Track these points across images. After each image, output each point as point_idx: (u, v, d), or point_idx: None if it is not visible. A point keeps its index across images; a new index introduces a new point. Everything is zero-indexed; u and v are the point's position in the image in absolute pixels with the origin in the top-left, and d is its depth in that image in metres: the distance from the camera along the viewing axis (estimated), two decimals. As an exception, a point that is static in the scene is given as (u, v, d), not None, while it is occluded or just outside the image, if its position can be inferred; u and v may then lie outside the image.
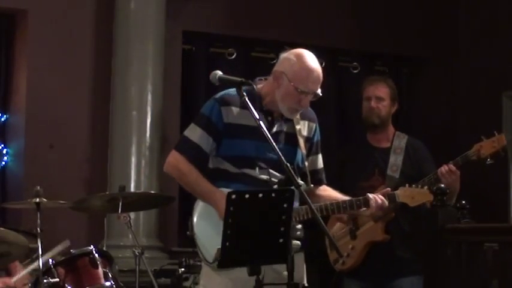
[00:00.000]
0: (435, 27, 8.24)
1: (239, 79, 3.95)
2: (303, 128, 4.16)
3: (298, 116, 4.13)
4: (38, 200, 5.11)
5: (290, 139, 4.09)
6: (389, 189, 4.26)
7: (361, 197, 4.10)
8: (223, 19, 7.43)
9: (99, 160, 6.81)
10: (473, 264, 4.74)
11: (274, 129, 4.04)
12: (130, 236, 5.47)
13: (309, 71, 4.08)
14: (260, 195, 3.47)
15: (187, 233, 3.99)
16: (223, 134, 3.99)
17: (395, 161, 5.17)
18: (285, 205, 3.48)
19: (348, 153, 5.49)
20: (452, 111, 8.26)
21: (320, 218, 3.67)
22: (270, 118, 4.05)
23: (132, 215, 5.64)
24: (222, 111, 3.98)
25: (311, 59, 4.14)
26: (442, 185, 4.74)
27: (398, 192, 4.28)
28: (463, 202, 4.79)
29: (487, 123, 7.63)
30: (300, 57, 4.10)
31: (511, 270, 4.59)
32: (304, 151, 4.12)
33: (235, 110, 4.00)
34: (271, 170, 3.99)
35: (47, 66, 6.81)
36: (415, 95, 8.35)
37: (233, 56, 7.50)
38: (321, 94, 4.10)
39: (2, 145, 6.84)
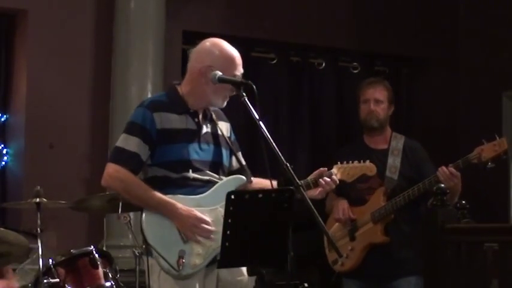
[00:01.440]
0: (435, 28, 8.24)
1: (239, 80, 3.95)
2: (223, 128, 4.13)
3: (214, 118, 4.10)
4: (38, 200, 5.11)
5: (216, 139, 4.08)
6: (325, 169, 4.16)
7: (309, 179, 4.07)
8: (223, 19, 7.43)
9: (99, 160, 6.78)
10: (473, 264, 4.74)
11: (203, 130, 4.03)
12: (130, 236, 5.46)
13: (233, 56, 4.07)
14: (260, 195, 3.48)
15: (143, 246, 3.91)
16: (157, 141, 3.93)
17: (394, 162, 5.17)
18: (285, 205, 3.48)
19: (345, 155, 5.47)
20: (452, 111, 8.25)
21: (319, 218, 3.66)
22: (196, 119, 4.03)
23: (132, 215, 5.63)
24: (154, 117, 3.93)
25: (227, 45, 4.12)
26: (442, 185, 4.74)
27: (333, 170, 4.20)
28: (463, 202, 4.79)
29: (487, 123, 7.64)
30: (220, 47, 4.07)
31: (511, 270, 4.59)
32: (230, 149, 4.10)
33: (165, 115, 3.96)
34: (208, 171, 3.98)
35: (47, 66, 6.81)
36: (415, 96, 8.35)
37: (233, 56, 7.50)
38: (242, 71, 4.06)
39: (2, 145, 6.84)
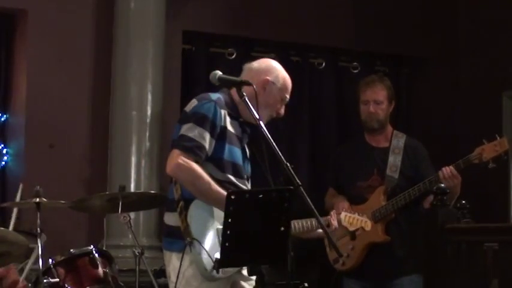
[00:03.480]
0: (435, 27, 8.24)
1: (239, 79, 3.95)
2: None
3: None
4: (37, 199, 5.11)
5: (246, 151, 4.18)
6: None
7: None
8: (223, 19, 7.43)
9: (99, 160, 6.80)
10: (473, 264, 4.74)
11: (245, 140, 4.11)
12: (130, 236, 5.47)
13: (289, 81, 4.23)
14: (260, 195, 3.48)
15: (187, 239, 3.83)
16: (219, 136, 3.97)
17: (394, 161, 5.17)
18: (285, 205, 3.48)
19: (345, 153, 5.47)
20: (452, 111, 8.25)
21: (320, 217, 3.67)
22: (243, 129, 4.10)
23: (132, 214, 5.64)
24: (222, 113, 3.98)
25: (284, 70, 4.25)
26: (442, 185, 4.74)
27: (341, 216, 4.50)
28: (463, 202, 4.79)
29: (487, 123, 7.63)
30: (281, 68, 4.22)
31: (511, 270, 4.59)
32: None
33: (227, 115, 4.02)
34: (246, 182, 4.05)
35: (47, 66, 6.81)
36: (415, 96, 8.34)
37: (233, 56, 7.50)
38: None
39: (2, 145, 6.84)
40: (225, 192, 3.77)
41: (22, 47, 6.88)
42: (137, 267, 5.28)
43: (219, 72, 3.96)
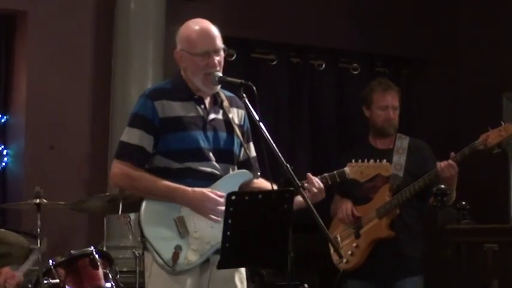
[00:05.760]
0: (435, 28, 8.25)
1: (239, 80, 3.92)
2: (234, 115, 3.99)
3: (227, 104, 3.97)
4: (38, 200, 5.11)
5: (227, 126, 3.95)
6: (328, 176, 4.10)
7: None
8: (223, 20, 7.35)
9: (99, 160, 6.80)
10: (473, 265, 4.74)
11: (211, 117, 3.90)
12: (130, 236, 5.47)
13: (194, 32, 3.91)
14: (260, 196, 3.48)
15: (138, 239, 3.80)
16: (161, 129, 3.83)
17: (399, 160, 5.16)
18: (285, 206, 3.48)
19: (349, 157, 5.46)
20: (452, 112, 8.26)
21: (320, 219, 3.66)
22: (203, 106, 3.90)
23: (133, 215, 5.63)
24: (156, 106, 3.84)
25: (194, 22, 3.99)
26: (442, 186, 4.74)
27: (346, 169, 4.17)
28: (463, 203, 4.79)
29: (487, 124, 7.62)
30: (184, 28, 3.96)
31: (511, 271, 4.59)
32: (240, 138, 3.95)
33: (167, 103, 3.86)
34: (214, 163, 3.87)
35: (47, 67, 6.81)
36: (415, 96, 8.35)
37: (233, 57, 7.50)
38: (223, 46, 3.91)
39: (2, 146, 6.84)
40: (172, 183, 3.75)
41: (22, 48, 6.88)
42: (137, 268, 5.28)
43: (219, 73, 3.93)
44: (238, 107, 4.01)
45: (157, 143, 3.85)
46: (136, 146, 3.83)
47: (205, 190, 3.78)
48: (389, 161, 5.15)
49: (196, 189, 3.77)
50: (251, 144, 4.05)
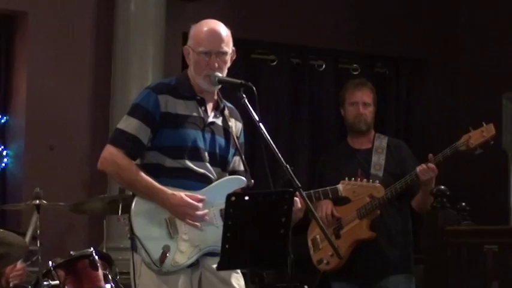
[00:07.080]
0: (435, 29, 8.25)
1: (239, 81, 3.91)
2: (233, 126, 3.97)
3: (227, 113, 3.96)
4: (37, 202, 5.11)
5: (225, 133, 3.93)
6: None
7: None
8: (223, 20, 7.33)
9: (99, 161, 6.80)
10: (473, 266, 4.74)
11: (210, 120, 3.89)
12: (130, 237, 5.46)
13: (202, 31, 3.90)
14: (260, 197, 3.47)
15: (128, 236, 3.74)
16: (160, 124, 3.80)
17: (378, 160, 5.15)
18: (285, 207, 3.47)
19: (328, 159, 5.44)
20: (452, 112, 8.25)
21: (319, 219, 3.65)
22: (203, 107, 3.88)
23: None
24: (159, 99, 3.81)
25: (206, 22, 3.96)
26: (442, 187, 4.73)
27: (339, 186, 4.25)
28: (463, 204, 4.79)
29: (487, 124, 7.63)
30: (196, 25, 3.94)
31: (511, 272, 4.59)
32: (237, 147, 3.93)
33: (171, 99, 3.83)
34: (208, 165, 3.84)
35: (47, 68, 6.82)
36: (414, 97, 8.35)
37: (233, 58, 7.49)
38: (228, 50, 3.90)
39: (2, 147, 6.84)
40: (155, 183, 3.73)
41: (22, 49, 6.88)
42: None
43: (219, 74, 3.92)
44: (237, 119, 4.02)
45: (154, 137, 3.81)
46: (132, 135, 3.79)
47: (184, 194, 3.74)
48: (369, 161, 5.16)
49: (176, 193, 3.74)
50: (242, 158, 4.00)
